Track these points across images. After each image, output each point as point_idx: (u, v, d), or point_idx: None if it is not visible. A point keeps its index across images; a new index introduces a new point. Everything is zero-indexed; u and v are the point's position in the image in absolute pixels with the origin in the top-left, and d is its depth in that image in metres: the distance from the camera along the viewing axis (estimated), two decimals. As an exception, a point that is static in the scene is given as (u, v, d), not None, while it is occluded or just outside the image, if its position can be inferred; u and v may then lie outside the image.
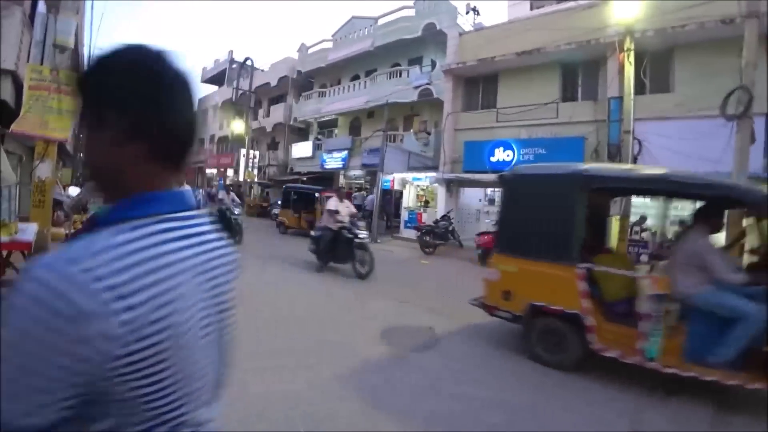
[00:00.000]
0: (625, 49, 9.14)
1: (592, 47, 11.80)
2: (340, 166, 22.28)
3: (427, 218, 14.42)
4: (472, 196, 15.15)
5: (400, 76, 20.46)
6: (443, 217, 12.90)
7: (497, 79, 13.98)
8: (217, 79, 37.85)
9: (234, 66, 32.35)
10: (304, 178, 24.86)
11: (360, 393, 3.20)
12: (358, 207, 16.97)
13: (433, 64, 20.06)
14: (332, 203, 8.13)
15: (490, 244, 10.75)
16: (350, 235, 7.71)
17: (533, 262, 4.19)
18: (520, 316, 4.23)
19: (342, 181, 23.93)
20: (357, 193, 20.03)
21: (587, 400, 3.37)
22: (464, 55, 14.11)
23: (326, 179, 24.01)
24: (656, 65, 11.75)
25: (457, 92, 14.60)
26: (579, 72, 12.89)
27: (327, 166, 23.15)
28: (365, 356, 3.93)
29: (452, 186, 14.32)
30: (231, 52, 35.29)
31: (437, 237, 12.16)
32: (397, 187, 15.53)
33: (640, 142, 9.78)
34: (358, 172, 22.90)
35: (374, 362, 3.81)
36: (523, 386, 3.61)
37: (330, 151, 23.12)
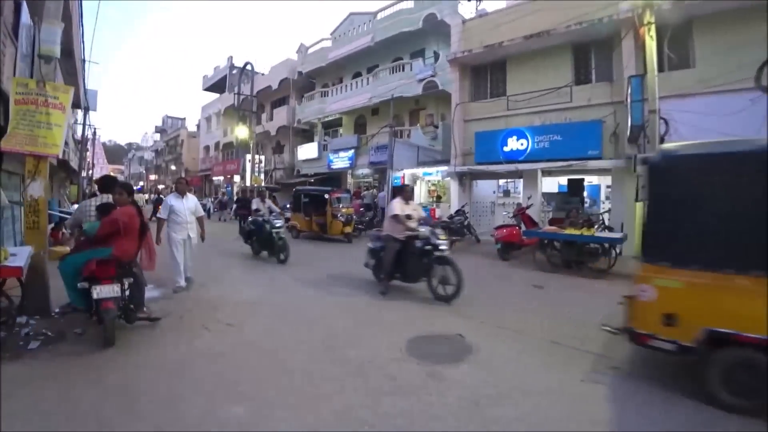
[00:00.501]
0: (645, 22, 8.56)
1: (604, 25, 11.24)
2: (348, 165, 21.92)
3: (440, 214, 13.99)
4: (485, 189, 14.69)
5: (403, 69, 20.03)
6: (458, 212, 12.46)
7: (505, 66, 13.44)
8: (218, 86, 37.71)
9: (234, 72, 32.10)
10: (312, 180, 24.60)
11: (393, 421, 2.81)
12: (368, 206, 16.64)
13: (436, 56, 19.61)
14: (397, 206, 6.42)
15: (509, 237, 10.33)
16: (428, 247, 6.18)
17: (711, 274, 3.13)
18: (691, 347, 3.19)
19: (350, 180, 23.62)
20: (366, 192, 19.63)
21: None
22: (469, 43, 13.59)
23: (334, 180, 23.71)
24: (675, 40, 11.19)
25: (464, 82, 14.08)
26: (592, 53, 12.31)
27: (334, 167, 22.81)
28: (391, 373, 3.55)
29: (465, 179, 13.85)
30: (230, 58, 35.07)
31: (453, 233, 11.69)
32: (407, 183, 15.07)
33: (666, 122, 9.21)
34: (365, 171, 22.52)
35: (404, 380, 3.42)
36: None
37: (336, 151, 22.78)
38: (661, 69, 11.09)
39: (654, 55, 8.55)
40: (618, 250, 8.67)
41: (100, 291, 3.89)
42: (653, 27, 8.59)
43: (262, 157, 27.76)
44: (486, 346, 4.30)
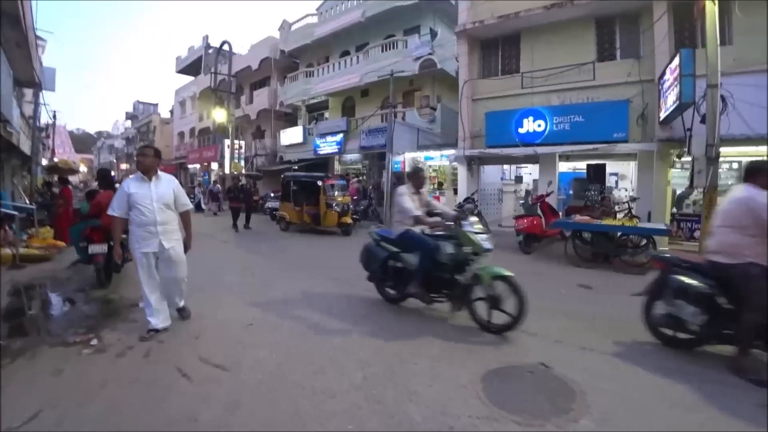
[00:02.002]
0: None
1: None
2: (336, 150, 20.39)
3: (445, 202, 12.70)
4: (492, 175, 13.50)
5: (396, 47, 18.52)
6: (467, 200, 11.21)
7: (519, 40, 12.13)
8: (193, 68, 35.25)
9: (210, 51, 29.90)
10: (296, 167, 22.90)
11: None
12: (365, 192, 15.16)
13: (433, 34, 18.14)
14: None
15: (531, 228, 9.22)
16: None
17: None
18: None
19: (337, 167, 22.08)
20: (354, 180, 18.17)
21: None
22: (478, 14, 12.20)
23: (320, 166, 22.03)
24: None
25: (473, 57, 12.71)
26: (617, 26, 11.15)
27: (321, 152, 21.23)
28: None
29: (473, 164, 12.55)
30: (206, 37, 32.66)
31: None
32: (407, 168, 13.71)
33: (723, 99, 8.10)
34: (354, 157, 21.04)
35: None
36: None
37: (323, 136, 21.16)
38: (694, 45, 10.15)
39: (716, 23, 7.34)
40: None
41: (93, 248, 5.43)
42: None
43: (242, 143, 25.90)
44: (588, 382, 3.03)
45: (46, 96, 18.04)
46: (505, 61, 12.54)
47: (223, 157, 26.54)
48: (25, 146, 13.74)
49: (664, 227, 7.78)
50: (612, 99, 10.73)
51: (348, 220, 11.83)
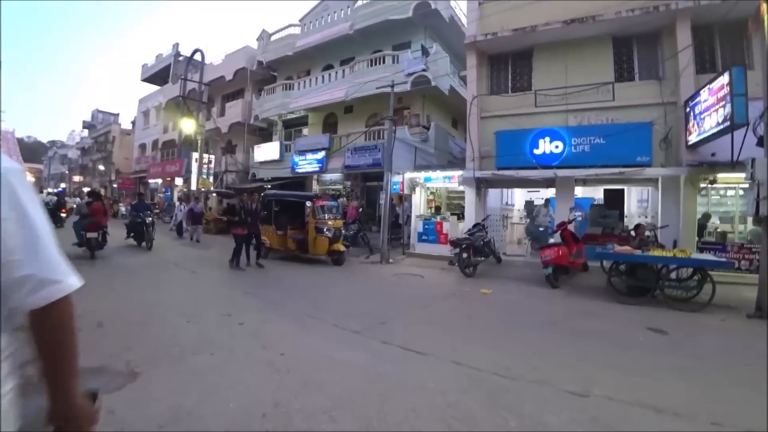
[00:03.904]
0: None
1: (659, 14, 9.50)
2: (317, 169, 18.83)
3: (449, 228, 11.35)
4: (494, 199, 12.36)
5: (384, 62, 17.44)
6: (476, 226, 9.92)
7: (531, 56, 11.26)
8: (159, 76, 33.02)
9: (181, 59, 27.96)
10: (269, 186, 21.07)
11: None
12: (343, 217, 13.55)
13: (424, 51, 17.26)
14: None
15: (560, 260, 8.09)
16: None
17: None
18: None
19: (315, 187, 20.48)
20: (354, 201, 16.55)
21: None
22: (489, 26, 11.25)
23: (296, 185, 20.39)
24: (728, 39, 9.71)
25: (482, 72, 11.70)
26: (634, 46, 10.52)
27: (300, 170, 19.60)
28: None
29: (482, 187, 11.34)
30: (176, 45, 30.71)
31: (476, 252, 9.19)
32: (406, 189, 12.38)
33: None
34: (335, 176, 19.56)
35: None
36: None
37: (303, 153, 19.58)
38: (705, 71, 9.64)
39: None
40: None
41: (90, 234, 9.46)
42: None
43: (212, 157, 23.92)
44: None
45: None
46: (516, 77, 11.60)
47: (189, 171, 24.38)
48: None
49: (725, 259, 7.03)
50: (632, 121, 9.91)
51: (340, 247, 10.29)
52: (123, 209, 25.03)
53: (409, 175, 12.20)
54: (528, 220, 12.26)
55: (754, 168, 6.49)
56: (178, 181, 28.93)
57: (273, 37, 22.78)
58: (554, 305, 6.74)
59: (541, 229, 10.97)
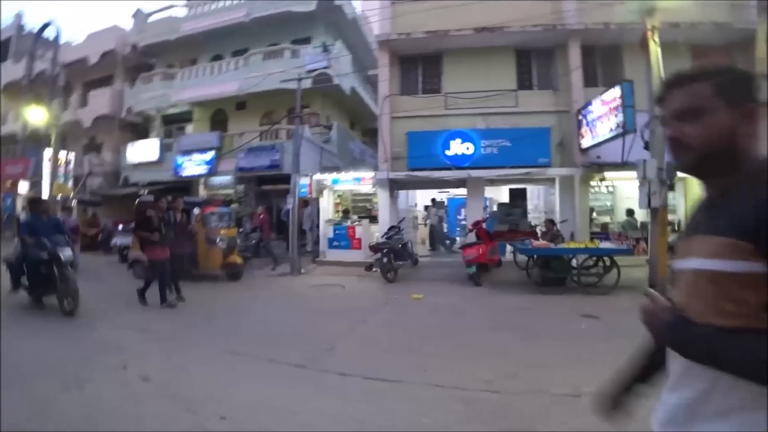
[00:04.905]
0: (651, 27, 7.43)
1: (556, 32, 10.31)
2: (206, 171, 16.73)
3: (362, 233, 10.64)
4: (401, 201, 12.13)
5: (283, 55, 16.28)
6: (392, 229, 9.42)
7: (441, 60, 11.41)
8: (-5, 54, 26.94)
9: (25, 33, 23.09)
10: (144, 192, 18.18)
11: None
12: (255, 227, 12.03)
13: (325, 47, 16.46)
14: None
15: (482, 258, 8.14)
16: None
17: None
18: None
19: (202, 192, 18.22)
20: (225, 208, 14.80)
21: None
22: (401, 26, 11.06)
23: (179, 191, 17.85)
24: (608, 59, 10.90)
25: (393, 72, 11.40)
26: (533, 59, 11.28)
27: (185, 173, 17.24)
28: None
29: (394, 188, 10.91)
30: (19, 15, 25.26)
31: (397, 256, 8.75)
32: (313, 193, 11.40)
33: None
34: (224, 180, 17.59)
35: None
36: None
37: (188, 153, 17.26)
38: (593, 84, 10.63)
39: (660, 60, 7.42)
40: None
41: None
42: (657, 32, 7.44)
43: (71, 157, 19.96)
44: None
45: None
46: (426, 79, 11.63)
47: (39, 174, 19.99)
48: None
49: (626, 247, 8.48)
50: (533, 126, 10.55)
51: (237, 259, 8.92)
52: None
53: (316, 177, 11.27)
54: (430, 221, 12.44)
55: (645, 168, 7.11)
56: (23, 185, 23.68)
57: (151, 18, 19.94)
58: (489, 304, 6.74)
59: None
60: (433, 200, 13.54)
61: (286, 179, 14.70)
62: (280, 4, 16.26)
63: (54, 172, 18.70)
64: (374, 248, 8.92)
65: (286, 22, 16.73)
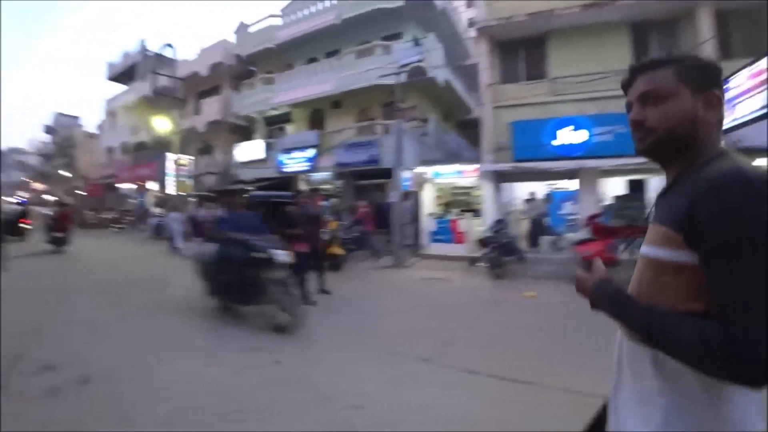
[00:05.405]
0: None
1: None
2: (307, 167, 17.73)
3: (465, 227, 10.58)
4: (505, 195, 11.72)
5: (375, 53, 16.54)
6: (499, 223, 9.20)
7: (545, 43, 10.69)
8: (127, 75, 30.98)
9: (149, 54, 26.22)
10: (250, 188, 19.77)
11: None
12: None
13: (417, 41, 16.42)
14: None
15: (601, 255, 7.46)
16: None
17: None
18: None
19: (303, 187, 19.33)
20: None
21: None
22: (499, 11, 10.59)
23: (281, 187, 19.21)
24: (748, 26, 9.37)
25: (494, 60, 11.01)
26: (651, 33, 10.10)
27: (287, 170, 18.44)
28: None
29: (499, 181, 10.65)
30: (143, 41, 28.85)
31: (504, 251, 8.52)
32: (414, 186, 11.54)
33: None
34: (324, 176, 18.49)
35: None
36: None
37: (289, 151, 18.44)
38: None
39: None
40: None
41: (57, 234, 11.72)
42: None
43: (191, 158, 22.43)
44: None
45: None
46: (530, 65, 10.98)
47: (164, 175, 22.84)
48: None
49: None
50: None
51: (338, 251, 9.39)
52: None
53: (418, 170, 11.37)
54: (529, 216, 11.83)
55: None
56: (152, 185, 27.22)
57: (251, 29, 21.49)
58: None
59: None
60: (533, 193, 12.95)
61: (382, 174, 15.15)
62: (368, 4, 16.53)
63: (178, 172, 21.23)
64: (483, 242, 8.79)
65: (375, 20, 16.98)
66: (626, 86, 1.03)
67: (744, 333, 0.71)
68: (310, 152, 17.44)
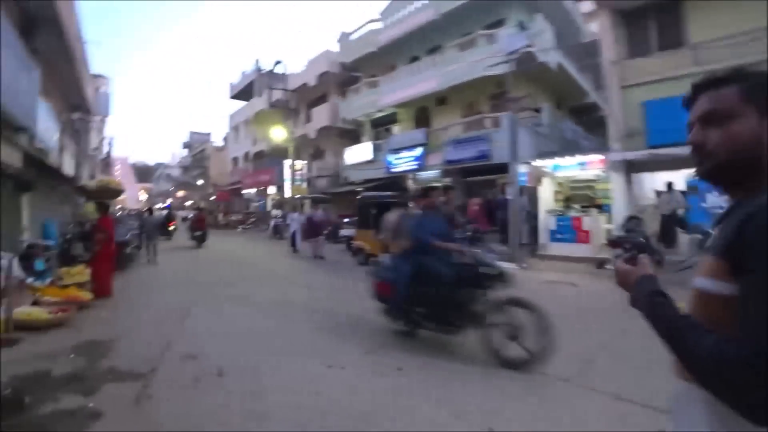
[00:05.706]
0: None
1: None
2: (415, 167, 17.90)
3: (590, 224, 9.75)
4: (637, 185, 10.48)
5: (478, 44, 15.99)
6: (632, 220, 8.28)
7: (680, 4, 9.22)
8: (245, 92, 34.56)
9: (263, 72, 28.75)
10: (359, 189, 20.63)
11: None
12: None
13: (523, 27, 15.54)
14: None
15: None
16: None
17: None
18: None
19: (411, 186, 19.58)
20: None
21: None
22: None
23: (389, 187, 19.66)
24: None
25: (618, 33, 9.93)
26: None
27: (396, 170, 18.81)
28: None
29: (630, 172, 9.61)
30: (257, 60, 31.78)
31: (641, 253, 7.53)
32: (531, 180, 10.97)
33: None
34: (431, 174, 18.47)
35: None
36: None
37: (396, 151, 18.79)
38: None
39: None
40: None
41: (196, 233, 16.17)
42: None
43: (304, 163, 24.13)
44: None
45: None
46: (663, 33, 9.62)
47: (281, 179, 24.98)
48: (69, 166, 12.09)
49: None
50: None
51: None
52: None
53: (535, 163, 10.77)
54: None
55: None
56: (271, 189, 30.00)
57: (353, 36, 22.32)
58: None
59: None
60: (671, 184, 11.38)
61: (491, 170, 14.67)
62: (465, -7, 15.99)
63: (293, 177, 23.01)
64: (613, 243, 7.98)
65: (475, 10, 16.41)
66: (688, 104, 0.95)
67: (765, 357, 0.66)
68: (418, 151, 17.56)
